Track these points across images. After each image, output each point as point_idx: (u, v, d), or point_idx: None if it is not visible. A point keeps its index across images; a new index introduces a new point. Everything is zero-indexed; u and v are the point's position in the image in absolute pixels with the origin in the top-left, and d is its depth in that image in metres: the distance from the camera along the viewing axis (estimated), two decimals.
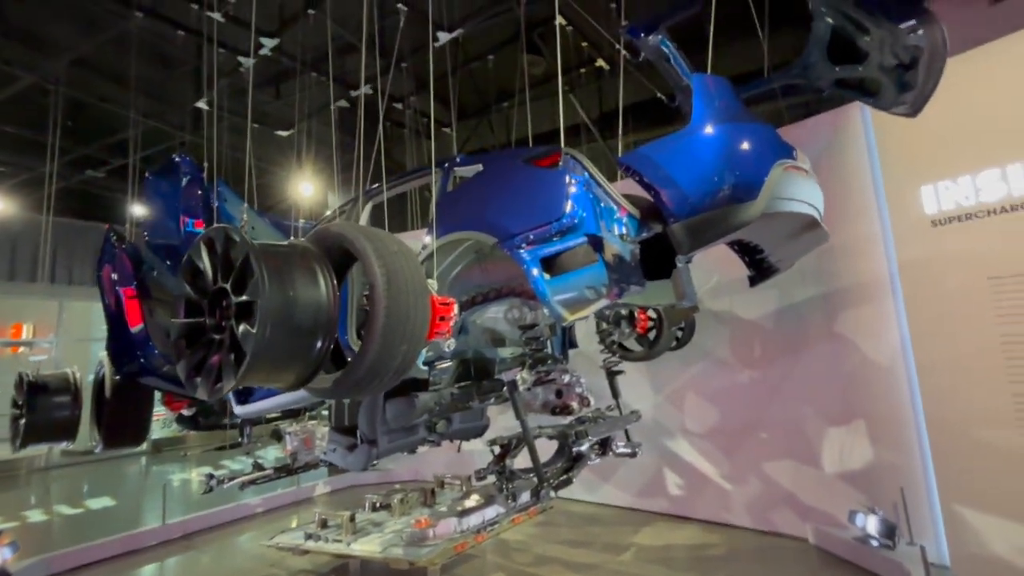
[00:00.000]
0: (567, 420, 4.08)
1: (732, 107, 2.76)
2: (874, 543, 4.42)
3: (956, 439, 4.19)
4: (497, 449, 3.86)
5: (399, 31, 5.68)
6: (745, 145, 2.64)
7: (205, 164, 3.76)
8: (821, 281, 5.28)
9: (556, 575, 4.80)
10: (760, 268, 3.48)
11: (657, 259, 2.96)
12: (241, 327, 1.81)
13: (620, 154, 2.97)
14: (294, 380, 1.98)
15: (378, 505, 5.47)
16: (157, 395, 4.70)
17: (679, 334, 5.04)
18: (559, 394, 4.06)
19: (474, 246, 3.20)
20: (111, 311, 4.16)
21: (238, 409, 3.69)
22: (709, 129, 2.67)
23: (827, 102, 5.49)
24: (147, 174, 3.96)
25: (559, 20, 5.79)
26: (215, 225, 2.12)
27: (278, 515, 7.13)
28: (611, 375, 4.57)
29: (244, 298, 1.82)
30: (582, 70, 7.77)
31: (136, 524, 6.53)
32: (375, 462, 4.01)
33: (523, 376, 3.73)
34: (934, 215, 4.40)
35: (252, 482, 5.12)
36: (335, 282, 1.98)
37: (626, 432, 4.40)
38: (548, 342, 4.18)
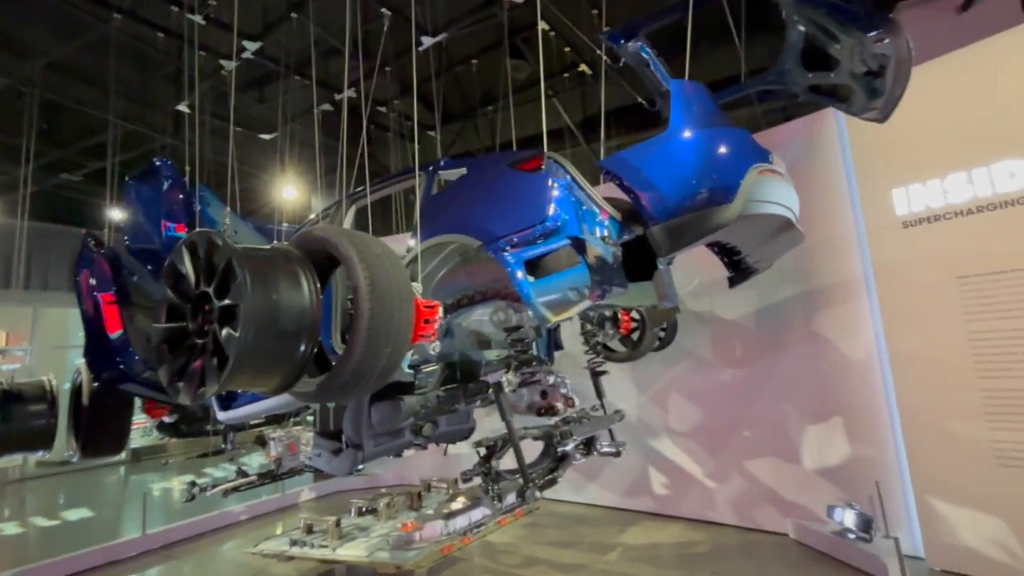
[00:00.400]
0: (552, 421, 4.12)
1: (709, 112, 2.83)
2: (851, 536, 4.54)
3: (929, 433, 4.33)
4: (483, 451, 3.87)
5: (383, 35, 5.69)
6: (721, 149, 2.71)
7: (187, 168, 3.73)
8: (799, 281, 5.41)
9: None
10: (739, 269, 3.57)
11: (639, 261, 3.02)
12: (224, 331, 1.81)
13: (602, 158, 3.03)
14: (277, 384, 1.98)
15: (364, 510, 5.43)
16: (137, 402, 4.62)
17: (662, 335, 5.12)
18: (544, 395, 4.09)
19: (459, 249, 3.22)
20: (89, 316, 4.09)
21: (221, 415, 3.66)
22: (686, 134, 2.74)
23: (804, 108, 5.64)
24: (127, 178, 3.91)
25: (542, 25, 5.87)
26: (198, 229, 2.12)
27: (263, 522, 7.04)
28: (595, 375, 4.63)
29: (227, 302, 1.82)
30: (566, 75, 7.85)
31: (115, 535, 6.39)
32: (361, 466, 3.99)
33: (508, 378, 3.75)
34: (905, 216, 4.55)
35: (236, 489, 5.04)
36: (318, 285, 1.99)
37: (610, 432, 4.45)
38: (534, 344, 4.21)
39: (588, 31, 6.19)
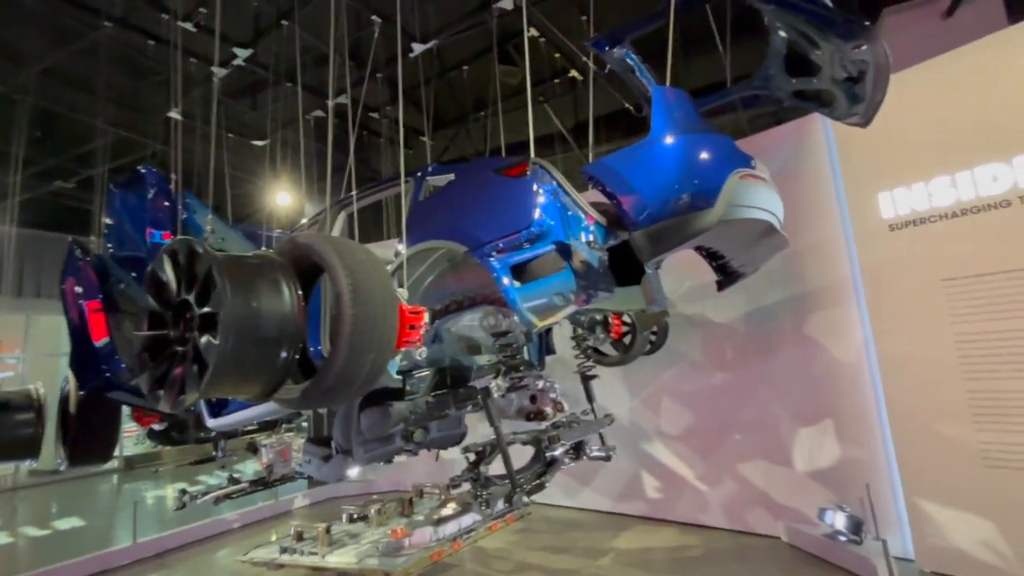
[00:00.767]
0: (542, 426, 4.12)
1: (690, 118, 2.86)
2: (842, 539, 4.55)
3: (917, 435, 4.34)
4: (471, 456, 3.87)
5: (374, 42, 5.73)
6: (702, 155, 2.74)
7: (173, 175, 3.74)
8: (788, 284, 5.43)
9: None
10: (726, 273, 3.59)
11: (627, 265, 3.04)
12: (204, 339, 1.82)
13: (591, 164, 3.05)
14: (259, 391, 1.98)
15: (355, 516, 5.41)
16: (126, 410, 4.60)
17: (653, 338, 5.14)
18: (533, 400, 4.10)
19: (446, 255, 3.24)
20: (74, 325, 4.09)
21: (212, 422, 3.64)
22: (667, 139, 2.77)
23: (794, 112, 5.69)
24: (111, 186, 3.91)
25: (531, 32, 5.91)
26: (178, 237, 2.13)
27: (256, 530, 7.00)
28: (586, 380, 4.63)
29: (207, 310, 1.83)
30: (556, 81, 7.91)
31: (107, 544, 6.34)
32: (352, 473, 3.98)
33: (497, 383, 3.76)
34: (891, 219, 4.58)
35: (227, 496, 5.03)
36: (300, 292, 1.99)
37: (600, 436, 4.45)
38: (524, 348, 4.22)
39: (577, 37, 6.24)
